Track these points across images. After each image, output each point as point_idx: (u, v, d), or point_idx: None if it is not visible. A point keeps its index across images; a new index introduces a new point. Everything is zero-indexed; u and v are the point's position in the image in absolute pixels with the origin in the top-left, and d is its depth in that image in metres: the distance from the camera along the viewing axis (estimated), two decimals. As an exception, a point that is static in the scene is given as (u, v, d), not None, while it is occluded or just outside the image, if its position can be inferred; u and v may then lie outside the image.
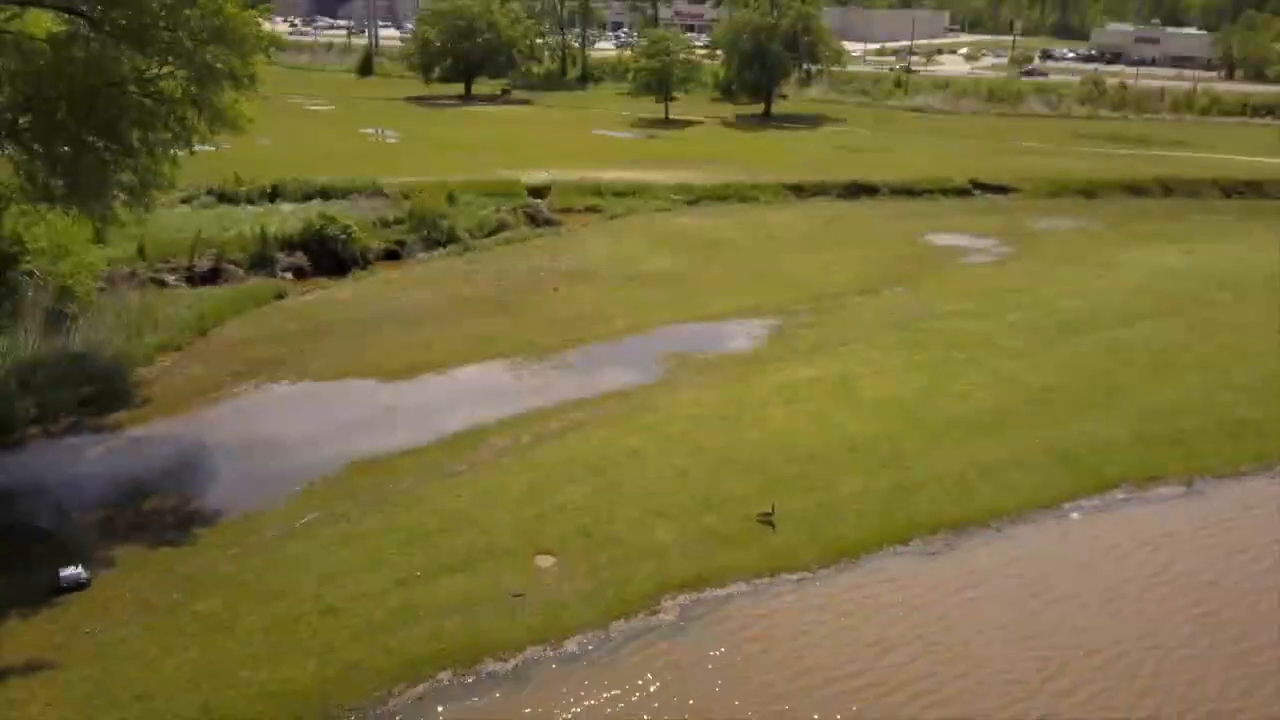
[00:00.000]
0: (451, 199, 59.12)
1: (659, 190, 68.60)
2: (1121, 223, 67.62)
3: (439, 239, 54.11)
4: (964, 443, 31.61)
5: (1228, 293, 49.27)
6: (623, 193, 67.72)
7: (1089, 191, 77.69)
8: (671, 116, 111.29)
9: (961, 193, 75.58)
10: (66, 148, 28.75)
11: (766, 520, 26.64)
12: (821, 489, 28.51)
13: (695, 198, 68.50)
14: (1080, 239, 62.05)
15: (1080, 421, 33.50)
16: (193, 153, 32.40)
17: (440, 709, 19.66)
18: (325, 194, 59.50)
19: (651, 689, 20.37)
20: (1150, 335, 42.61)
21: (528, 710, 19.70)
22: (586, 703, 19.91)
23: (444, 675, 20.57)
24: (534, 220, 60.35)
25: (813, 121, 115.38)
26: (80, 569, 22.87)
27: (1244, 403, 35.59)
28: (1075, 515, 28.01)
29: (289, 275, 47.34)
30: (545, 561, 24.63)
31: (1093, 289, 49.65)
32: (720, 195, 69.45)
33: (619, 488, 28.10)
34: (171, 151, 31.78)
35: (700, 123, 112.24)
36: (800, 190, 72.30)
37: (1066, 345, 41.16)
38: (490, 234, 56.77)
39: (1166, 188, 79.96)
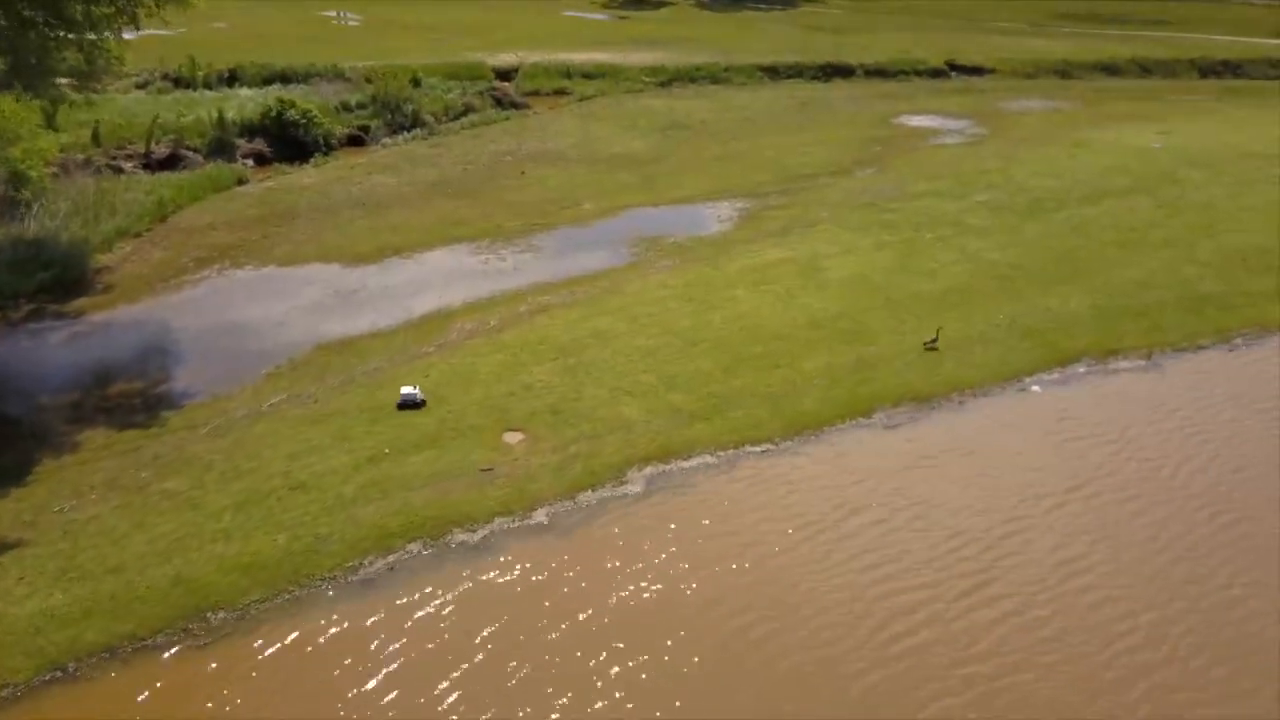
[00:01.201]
0: (416, 82, 57.61)
1: (630, 72, 67.10)
2: (1096, 102, 67.00)
3: (403, 123, 52.91)
4: (929, 318, 31.78)
5: (1199, 171, 49.19)
6: (592, 75, 66.22)
7: (1064, 72, 76.72)
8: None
9: (936, 74, 74.43)
10: (4, 22, 27.59)
11: (932, 346, 29.72)
12: (786, 365, 28.75)
13: (667, 79, 67.08)
14: (1054, 119, 61.49)
15: (1045, 298, 33.76)
16: (139, 28, 31.22)
17: (410, 578, 20.09)
18: (285, 78, 57.92)
19: (614, 555, 20.86)
20: (1119, 213, 42.67)
21: (494, 574, 20.18)
22: (551, 566, 20.40)
23: (414, 546, 20.95)
24: (501, 103, 59.00)
25: (788, 1, 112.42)
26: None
27: (1208, 277, 35.93)
28: (1036, 388, 28.45)
29: (249, 162, 46.28)
30: (514, 438, 24.88)
31: (1064, 168, 49.41)
32: (692, 77, 68.05)
33: (587, 368, 28.22)
34: (118, 29, 30.64)
35: (673, 3, 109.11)
36: (774, 72, 70.93)
37: (1035, 224, 41.19)
38: (456, 118, 55.54)
39: (1144, 68, 79.08)
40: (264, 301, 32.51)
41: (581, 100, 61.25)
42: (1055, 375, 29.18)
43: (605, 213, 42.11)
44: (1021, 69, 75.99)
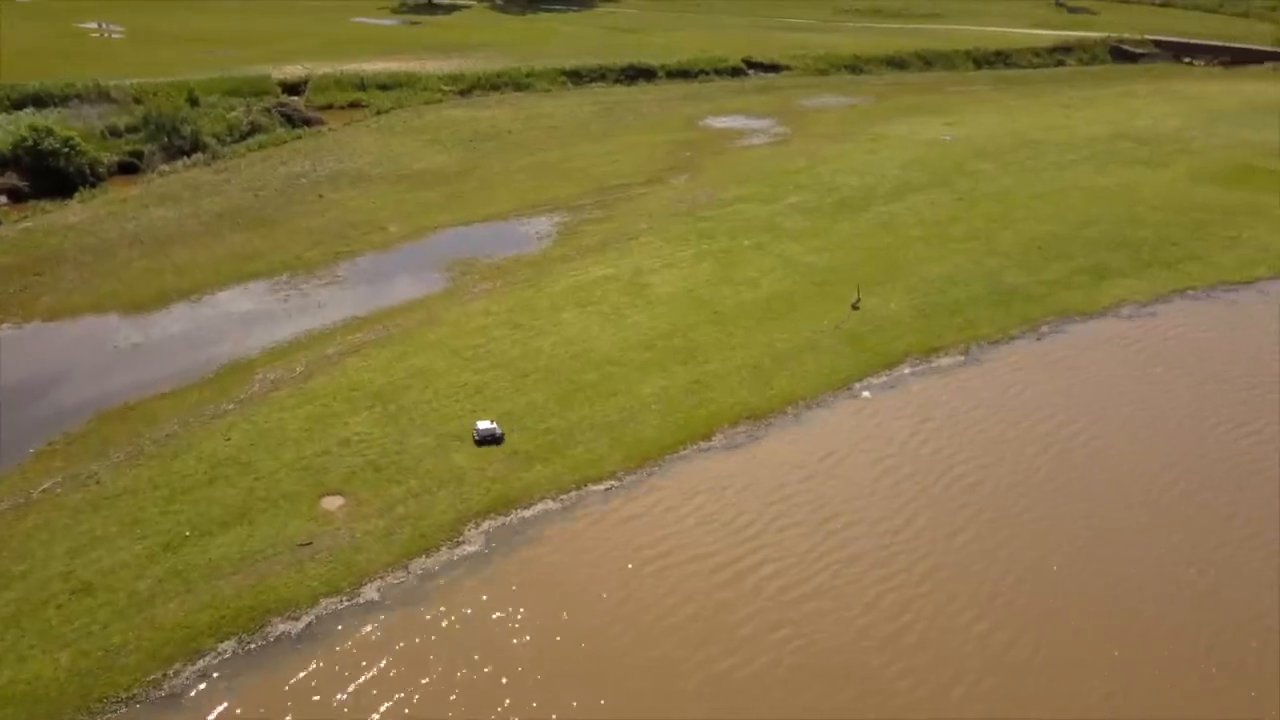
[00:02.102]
0: (193, 101, 53.08)
1: (428, 81, 64.43)
2: (887, 96, 69.67)
3: (182, 147, 48.51)
4: (756, 330, 31.54)
5: (988, 162, 51.63)
6: (388, 85, 63.16)
7: (855, 67, 79.51)
8: (435, 0, 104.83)
9: (736, 72, 75.52)
10: None
11: (855, 307, 32.64)
12: (623, 392, 27.68)
13: (467, 87, 64.84)
14: (851, 115, 63.36)
15: (865, 300, 34.15)
16: None
17: (225, 685, 17.67)
18: (40, 101, 52.07)
19: (454, 629, 19.14)
20: (921, 208, 44.04)
21: (320, 666, 18.05)
22: (383, 651, 18.47)
23: (227, 645, 18.50)
24: (291, 120, 55.19)
25: (585, 1, 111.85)
26: None
27: (1010, 268, 37.40)
28: (866, 394, 28.57)
29: (1, 199, 41.08)
30: (333, 503, 22.63)
31: (866, 165, 50.75)
32: (494, 84, 66.08)
33: (409, 414, 26.18)
34: None
35: (467, 7, 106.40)
36: (577, 76, 69.90)
37: (845, 223, 41.90)
38: (242, 138, 51.48)
39: (926, 61, 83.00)
40: (28, 366, 28.58)
41: (378, 114, 58.19)
42: (883, 378, 29.41)
43: (413, 235, 39.82)
44: (815, 65, 78.18)
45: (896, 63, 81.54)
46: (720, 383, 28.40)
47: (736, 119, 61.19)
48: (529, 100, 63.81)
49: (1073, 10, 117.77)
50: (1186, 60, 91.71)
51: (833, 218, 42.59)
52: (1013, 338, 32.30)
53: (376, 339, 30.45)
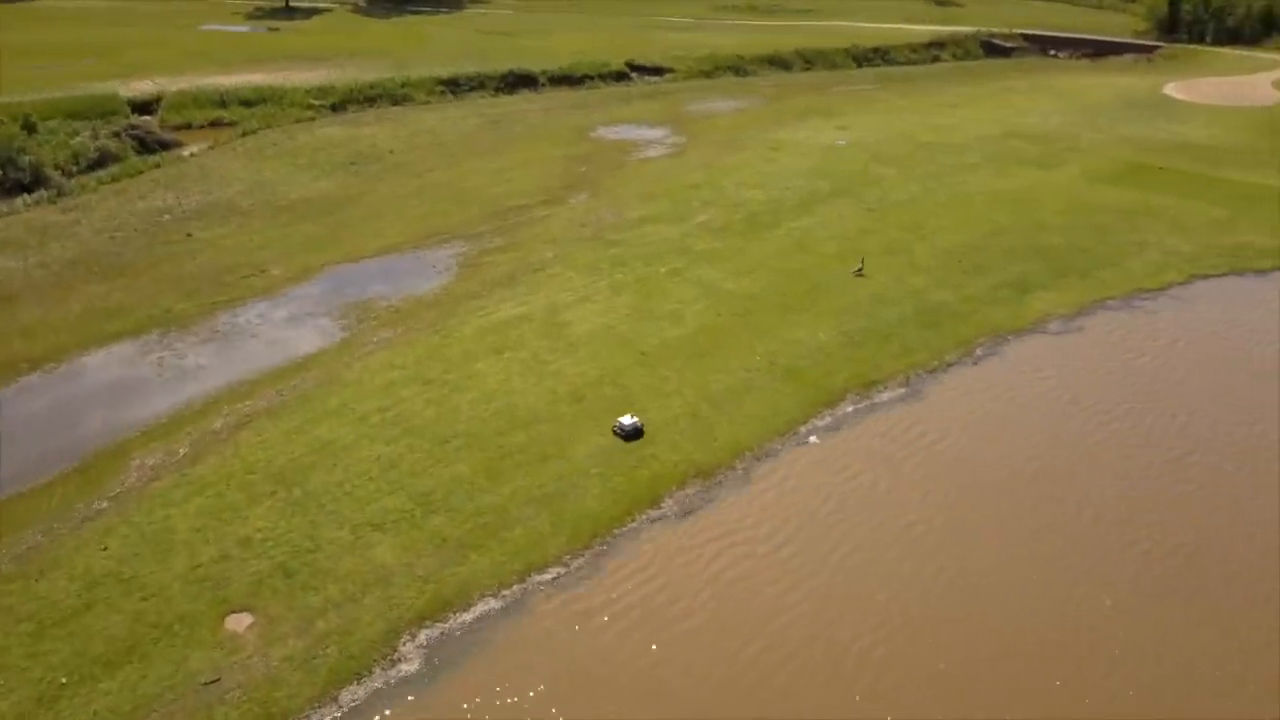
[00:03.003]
0: (29, 126, 47.70)
1: (295, 95, 60.06)
2: (775, 98, 68.76)
3: (21, 181, 43.29)
4: (688, 371, 29.52)
5: (889, 167, 50.98)
6: (252, 100, 58.58)
7: (739, 68, 78.48)
8: (293, 3, 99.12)
9: (620, 77, 73.44)
10: None
11: (859, 274, 35.59)
12: (556, 455, 25.20)
13: (340, 101, 60.76)
14: (743, 120, 62.03)
15: (792, 328, 32.54)
16: None
17: None
18: None
19: (408, 775, 16.46)
20: (832, 222, 42.81)
21: None
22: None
23: (124, 829, 15.34)
24: (146, 145, 50.26)
25: (454, 2, 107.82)
26: None
27: (933, 285, 36.42)
28: (813, 439, 26.86)
29: None
30: (240, 623, 19.47)
31: (768, 176, 49.36)
32: (368, 97, 62.15)
33: (317, 499, 23.09)
34: None
35: (328, 10, 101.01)
36: (456, 85, 66.52)
37: (758, 242, 40.28)
38: (90, 169, 46.45)
39: (807, 60, 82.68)
40: None
41: (245, 135, 53.62)
42: (827, 419, 27.77)
43: (299, 277, 36.24)
44: (699, 67, 76.77)
45: (779, 62, 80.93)
46: (661, 436, 26.21)
47: (629, 129, 59.06)
48: (409, 114, 60.16)
49: (940, 2, 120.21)
50: (1052, 53, 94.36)
51: (745, 237, 40.92)
52: (949, 363, 31.16)
53: (270, 407, 27.08)
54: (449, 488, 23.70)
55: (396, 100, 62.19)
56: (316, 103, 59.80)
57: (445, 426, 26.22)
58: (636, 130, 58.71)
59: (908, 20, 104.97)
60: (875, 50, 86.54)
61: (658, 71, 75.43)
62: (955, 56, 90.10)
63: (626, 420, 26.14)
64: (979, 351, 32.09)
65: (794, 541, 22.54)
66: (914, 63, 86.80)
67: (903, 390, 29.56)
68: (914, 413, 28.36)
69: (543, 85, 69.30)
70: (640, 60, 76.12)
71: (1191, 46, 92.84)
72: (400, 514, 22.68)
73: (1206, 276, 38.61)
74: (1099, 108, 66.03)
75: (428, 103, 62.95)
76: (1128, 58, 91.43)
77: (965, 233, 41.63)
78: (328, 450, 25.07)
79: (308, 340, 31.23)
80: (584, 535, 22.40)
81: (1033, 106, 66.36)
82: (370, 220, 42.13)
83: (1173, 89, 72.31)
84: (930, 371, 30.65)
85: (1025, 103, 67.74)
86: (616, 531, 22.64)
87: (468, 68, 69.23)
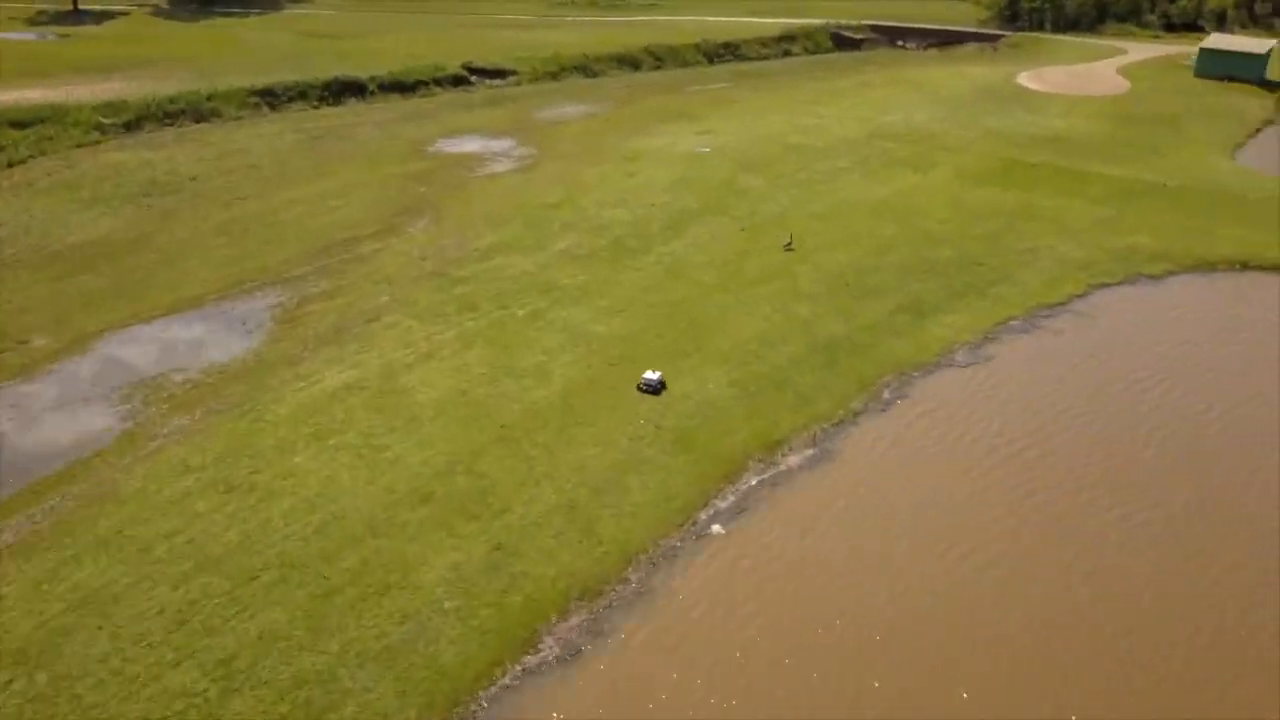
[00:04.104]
0: None
1: (80, 114, 51.75)
2: (628, 101, 64.30)
3: None
4: (560, 446, 24.59)
5: (756, 176, 47.18)
6: (26, 122, 50.09)
7: (587, 68, 73.74)
8: (83, 6, 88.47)
9: (459, 81, 67.52)
10: None
11: (789, 248, 34.71)
12: (399, 584, 19.84)
13: (134, 119, 52.79)
14: (597, 127, 57.25)
15: (677, 380, 28.02)
16: None
17: None
18: None
19: None
20: (705, 243, 38.57)
21: None
22: None
23: None
24: (-118, 183, 41.55)
25: (272, 3, 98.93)
26: None
27: (822, 314, 32.58)
28: (716, 528, 22.35)
29: None
30: None
31: (630, 192, 44.80)
32: (168, 113, 54.30)
33: (70, 687, 17.02)
34: None
35: (124, 13, 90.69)
36: (272, 96, 59.23)
37: (628, 272, 35.65)
38: None
39: (657, 57, 78.63)
40: None
41: (12, 165, 45.34)
42: (729, 498, 23.32)
43: (70, 348, 29.38)
44: (544, 68, 71.61)
45: (628, 61, 76.59)
46: (530, 544, 21.19)
47: (472, 140, 53.43)
48: (216, 133, 52.72)
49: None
50: (900, 44, 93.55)
51: (612, 265, 36.22)
52: (856, 413, 27.24)
53: (14, 542, 20.65)
54: (257, 649, 18.04)
55: (201, 116, 54.58)
56: (107, 121, 51.74)
57: (253, 554, 20.44)
58: (481, 142, 53.15)
59: (755, 13, 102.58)
60: (726, 46, 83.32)
61: (500, 74, 69.86)
62: (806, 50, 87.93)
63: (651, 375, 27.51)
64: (886, 394, 28.34)
65: (708, 691, 17.90)
66: (766, 58, 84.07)
67: (811, 451, 25.43)
68: (828, 481, 24.22)
69: (373, 93, 62.76)
70: (480, 62, 70.35)
71: (1034, 34, 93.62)
72: (189, 699, 16.91)
73: (1104, 285, 36.26)
74: (958, 100, 64.36)
75: (239, 118, 55.58)
76: (973, 47, 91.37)
77: (849, 249, 38.09)
78: (92, 604, 18.96)
79: (76, 437, 24.68)
80: (441, 704, 17.19)
81: (893, 101, 64.11)
82: (165, 267, 35.34)
83: (1025, 79, 71.64)
84: (838, 424, 26.64)
85: (885, 97, 65.47)
86: (482, 694, 17.51)
87: (286, 76, 61.97)
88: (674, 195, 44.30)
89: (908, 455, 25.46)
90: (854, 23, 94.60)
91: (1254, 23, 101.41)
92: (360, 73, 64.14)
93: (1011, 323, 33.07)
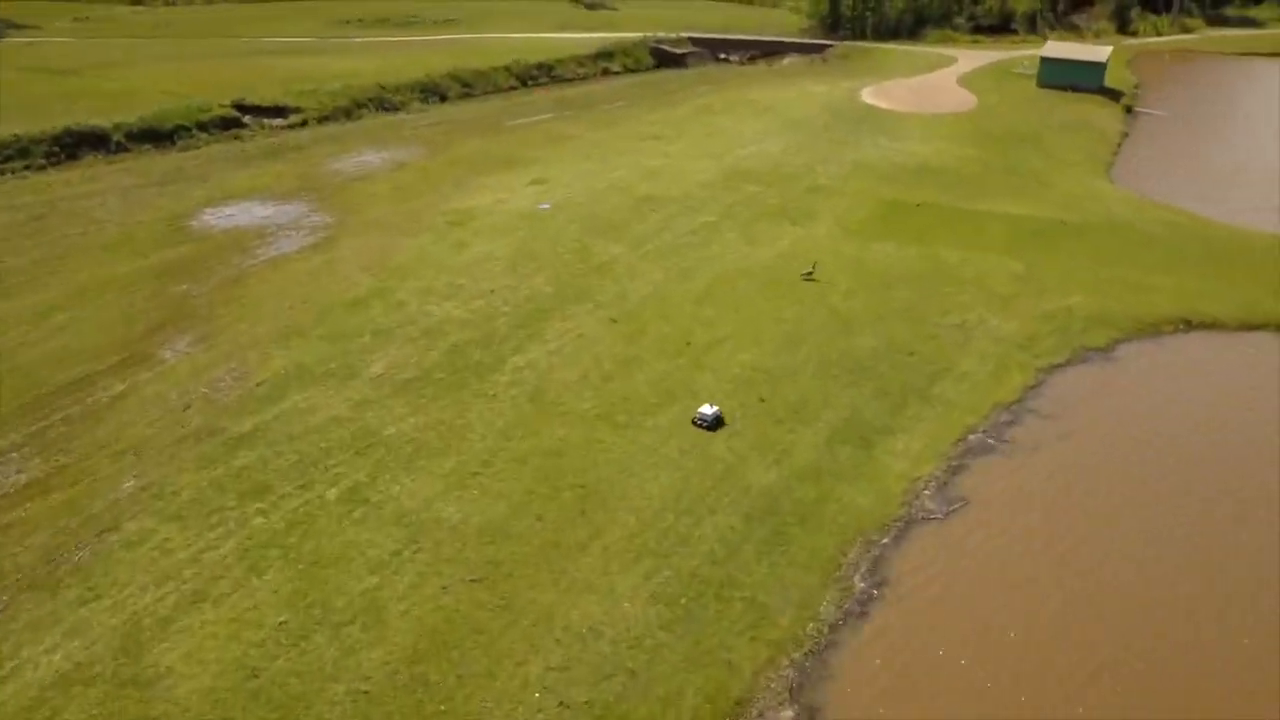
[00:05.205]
0: None
1: None
2: (442, 144, 54.50)
3: None
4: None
5: (615, 242, 38.90)
6: None
7: (385, 101, 63.33)
8: None
9: (229, 124, 55.75)
10: None
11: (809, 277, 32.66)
12: None
13: None
14: (408, 182, 47.27)
15: (575, 601, 19.49)
16: None
17: None
18: None
19: None
20: (571, 349, 29.95)
21: None
22: None
23: None
24: None
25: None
26: None
27: (745, 455, 24.66)
28: None
29: None
30: None
31: (463, 273, 35.57)
32: None
33: None
34: None
35: None
36: (-22, 160, 46.08)
37: (476, 404, 26.68)
38: None
39: (465, 84, 69.09)
40: None
41: None
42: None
43: None
44: (333, 103, 60.64)
45: (432, 90, 66.64)
46: None
47: (248, 208, 42.56)
48: (-112, 219, 39.62)
49: (590, 6, 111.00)
50: (723, 56, 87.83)
51: (454, 394, 27.14)
52: (832, 624, 19.54)
53: None
54: None
55: None
56: None
57: None
58: (260, 209, 42.38)
59: (563, 27, 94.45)
60: (540, 67, 74.69)
61: (279, 112, 58.51)
62: (627, 67, 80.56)
63: (708, 410, 25.41)
64: (859, 583, 20.83)
65: None
66: (585, 78, 76.11)
67: (789, 715, 17.44)
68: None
69: (119, 145, 50.45)
70: (254, 99, 58.70)
71: (860, 44, 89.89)
72: None
73: (1054, 367, 30.25)
74: (809, 125, 58.33)
75: (-75, 194, 42.46)
76: (801, 58, 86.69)
77: (751, 346, 30.42)
78: None
79: None
80: None
81: (741, 131, 57.36)
82: None
83: (870, 96, 66.76)
84: (814, 652, 18.81)
85: (730, 126, 58.62)
86: None
87: (3, 125, 48.77)
88: (519, 275, 35.46)
89: (908, 696, 17.88)
90: (673, 35, 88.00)
91: (1058, 23, 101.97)
92: (102, 119, 51.52)
93: (972, 437, 26.32)
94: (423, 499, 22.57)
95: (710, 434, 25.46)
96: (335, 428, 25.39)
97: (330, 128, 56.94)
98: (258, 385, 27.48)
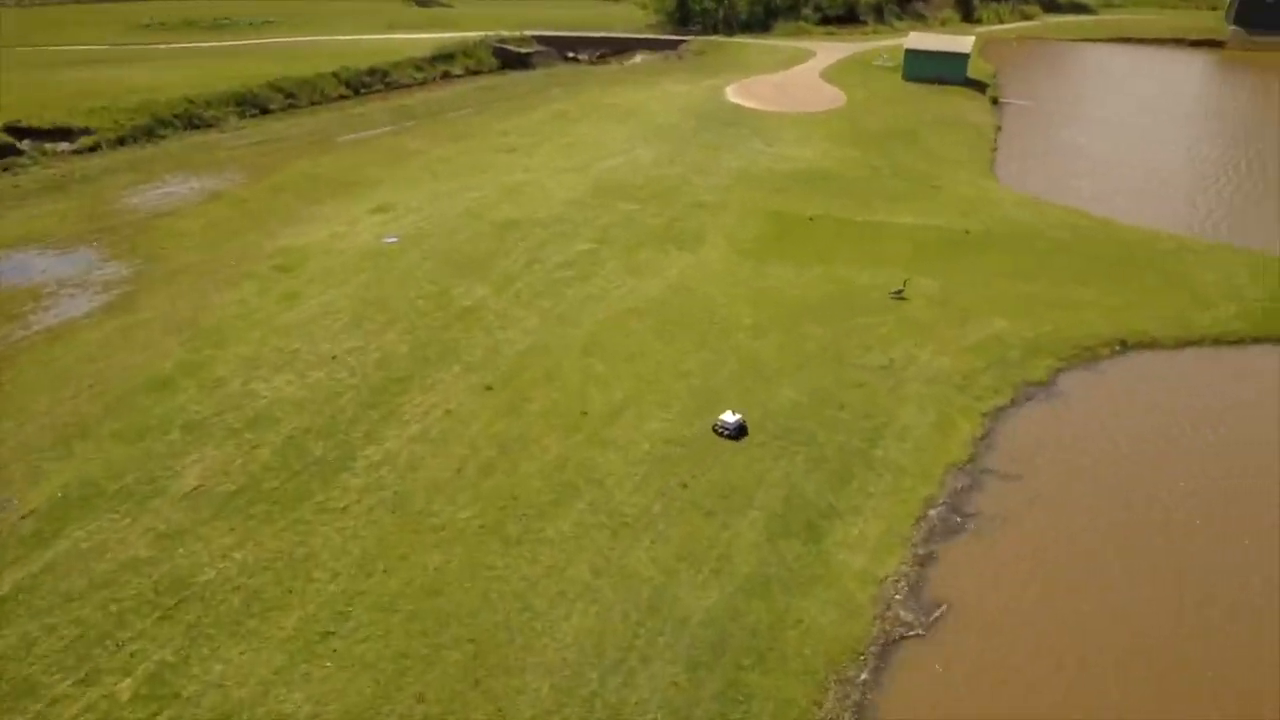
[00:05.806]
0: None
1: None
2: (266, 167, 47.19)
3: None
4: None
5: (478, 283, 33.23)
6: None
7: (195, 118, 55.16)
8: None
9: (2, 151, 46.81)
10: None
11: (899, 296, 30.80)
12: None
13: None
14: (224, 216, 40.00)
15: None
16: None
17: None
18: None
19: None
20: (441, 431, 24.35)
21: None
22: None
23: None
24: None
25: None
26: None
27: (672, 569, 19.78)
28: None
29: None
30: None
31: (295, 332, 29.25)
32: None
33: None
34: None
35: None
36: None
37: (322, 526, 20.83)
38: None
39: (287, 94, 61.33)
40: None
41: None
42: None
43: None
44: (131, 122, 52.13)
45: (251, 102, 58.69)
46: None
47: (21, 261, 34.75)
48: None
49: (422, 4, 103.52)
50: (571, 55, 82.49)
51: (293, 512, 21.13)
52: (826, 823, 14.86)
53: None
54: None
55: None
56: None
57: None
58: (37, 263, 34.65)
59: (393, 27, 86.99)
60: (373, 72, 67.47)
61: (65, 135, 49.79)
62: (469, 70, 74.17)
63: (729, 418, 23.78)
64: (845, 746, 16.20)
65: None
66: (423, 83, 69.41)
67: None
68: None
69: None
70: (32, 120, 49.72)
71: (714, 39, 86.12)
72: None
73: (998, 411, 26.62)
74: (676, 131, 53.80)
75: None
76: (653, 55, 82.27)
77: (659, 410, 25.49)
78: None
79: None
80: None
81: (604, 138, 52.29)
82: None
83: (734, 94, 62.80)
84: None
85: (592, 134, 53.46)
86: None
87: None
88: (366, 333, 29.42)
89: None
90: (516, 34, 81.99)
91: (904, 12, 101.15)
92: None
93: (932, 512, 22.23)
94: (257, 683, 16.66)
95: (627, 544, 20.37)
96: (132, 577, 19.07)
97: (128, 152, 48.67)
98: (22, 519, 20.78)
